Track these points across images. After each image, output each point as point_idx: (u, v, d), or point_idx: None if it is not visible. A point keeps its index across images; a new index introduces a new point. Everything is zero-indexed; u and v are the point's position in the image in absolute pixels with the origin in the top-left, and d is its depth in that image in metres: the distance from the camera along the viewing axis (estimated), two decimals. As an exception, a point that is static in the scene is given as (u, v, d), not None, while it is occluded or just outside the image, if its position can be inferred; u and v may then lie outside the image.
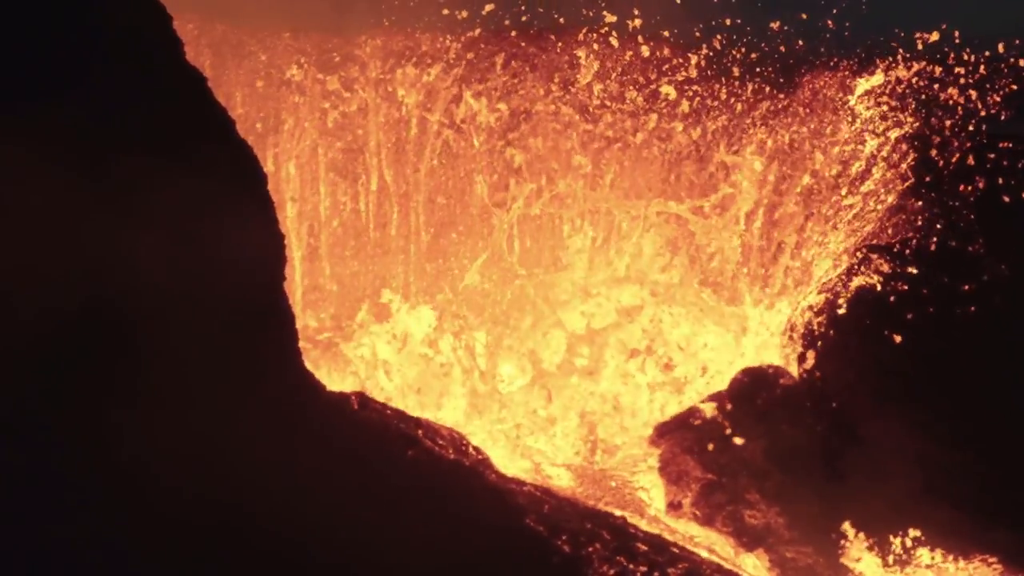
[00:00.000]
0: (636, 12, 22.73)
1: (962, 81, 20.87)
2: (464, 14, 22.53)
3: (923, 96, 20.94)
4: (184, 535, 12.39)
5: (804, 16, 22.73)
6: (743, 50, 22.43)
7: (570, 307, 22.54)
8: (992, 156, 20.19)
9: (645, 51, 22.51)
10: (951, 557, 17.57)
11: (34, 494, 11.93)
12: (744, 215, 22.07)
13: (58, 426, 12.10)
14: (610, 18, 22.29)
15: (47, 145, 12.10)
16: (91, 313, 12.23)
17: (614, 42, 22.47)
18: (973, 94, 20.76)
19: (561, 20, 22.75)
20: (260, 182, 14.31)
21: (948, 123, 20.62)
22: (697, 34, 22.51)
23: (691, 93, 22.44)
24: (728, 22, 22.55)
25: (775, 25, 22.58)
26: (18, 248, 11.99)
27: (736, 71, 22.39)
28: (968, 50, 21.24)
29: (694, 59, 22.58)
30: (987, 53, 21.09)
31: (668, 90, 22.24)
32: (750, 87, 22.32)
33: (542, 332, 22.19)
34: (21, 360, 11.96)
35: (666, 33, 22.61)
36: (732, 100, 22.33)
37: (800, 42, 22.27)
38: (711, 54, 22.52)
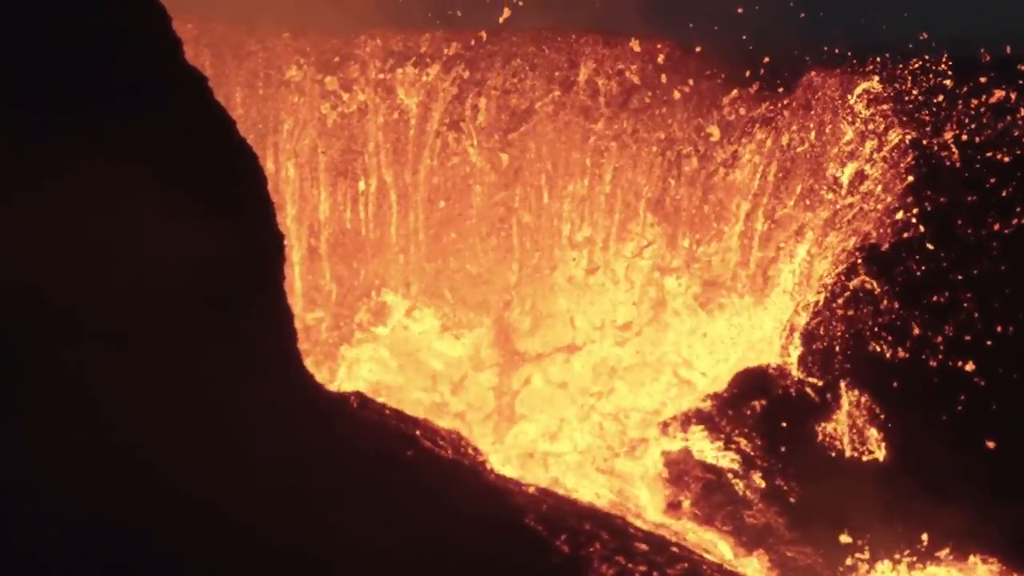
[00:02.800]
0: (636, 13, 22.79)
1: (961, 82, 20.86)
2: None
3: (923, 97, 20.93)
4: (181, 535, 12.39)
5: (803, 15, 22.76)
6: (743, 50, 22.43)
7: (595, 399, 21.59)
8: (991, 157, 20.18)
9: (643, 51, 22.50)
10: (951, 556, 17.56)
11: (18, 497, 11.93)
12: (744, 215, 22.05)
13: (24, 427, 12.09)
14: (633, 44, 22.27)
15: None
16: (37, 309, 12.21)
17: (635, 57, 22.40)
18: (973, 95, 20.75)
19: (558, 38, 22.73)
20: (259, 182, 14.30)
21: (947, 124, 20.61)
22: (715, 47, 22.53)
23: (689, 92, 22.42)
24: (727, 22, 22.57)
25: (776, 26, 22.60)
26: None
27: (737, 72, 22.38)
28: (968, 52, 21.25)
29: (694, 59, 22.58)
30: (986, 55, 21.08)
31: (720, 121, 21.88)
32: (750, 87, 22.31)
33: (556, 426, 21.23)
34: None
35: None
36: (732, 100, 22.31)
37: (800, 42, 22.28)
38: (712, 54, 22.54)
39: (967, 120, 20.58)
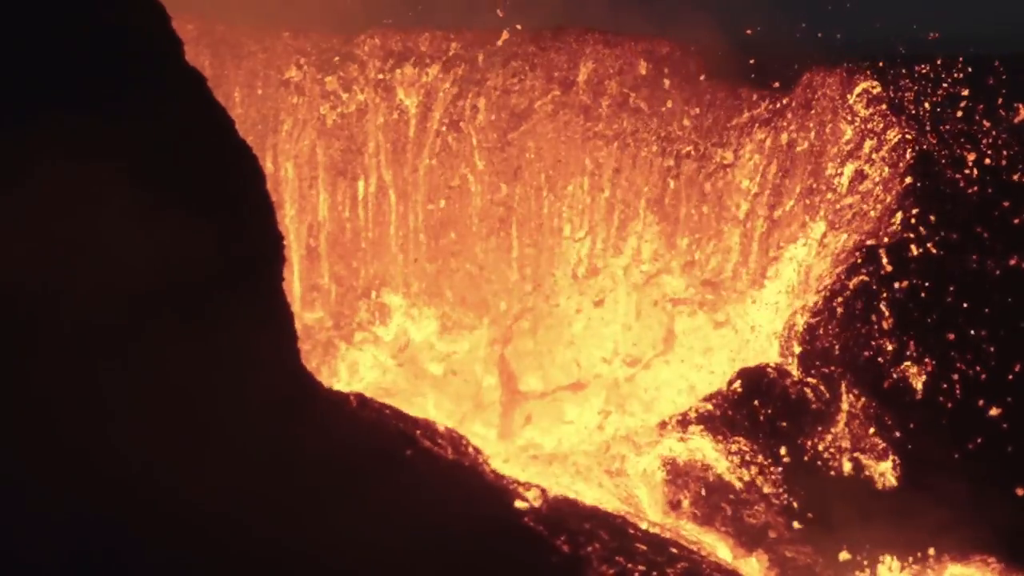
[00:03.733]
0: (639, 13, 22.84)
1: (961, 82, 20.87)
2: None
3: (922, 96, 20.94)
4: (180, 535, 12.39)
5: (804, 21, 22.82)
6: (743, 50, 22.46)
7: (602, 416, 21.62)
8: (990, 156, 20.19)
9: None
10: (952, 555, 17.57)
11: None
12: (744, 215, 22.06)
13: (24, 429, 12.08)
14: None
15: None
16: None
17: (635, 57, 22.40)
18: (972, 94, 20.76)
19: (558, 39, 22.74)
20: (258, 182, 14.30)
21: (947, 123, 20.63)
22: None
23: (689, 92, 22.42)
24: (729, 22, 22.61)
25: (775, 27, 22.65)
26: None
27: (737, 71, 22.39)
28: (967, 51, 21.26)
29: (694, 59, 22.60)
30: (987, 54, 21.10)
31: (719, 121, 21.80)
32: (750, 87, 22.33)
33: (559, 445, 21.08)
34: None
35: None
36: (733, 100, 22.32)
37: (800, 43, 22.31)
38: (711, 54, 22.56)
39: (967, 120, 20.60)
